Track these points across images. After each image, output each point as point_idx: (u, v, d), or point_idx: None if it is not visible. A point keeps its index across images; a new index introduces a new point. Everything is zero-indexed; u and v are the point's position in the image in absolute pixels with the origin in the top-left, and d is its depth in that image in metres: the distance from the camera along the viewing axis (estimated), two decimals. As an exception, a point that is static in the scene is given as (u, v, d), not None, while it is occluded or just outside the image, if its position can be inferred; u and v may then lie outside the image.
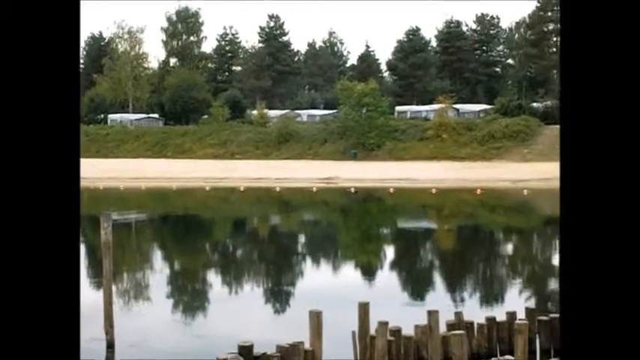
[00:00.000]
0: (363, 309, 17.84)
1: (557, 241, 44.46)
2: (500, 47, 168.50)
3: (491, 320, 19.91)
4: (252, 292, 31.39)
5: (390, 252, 44.35)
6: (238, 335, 16.47)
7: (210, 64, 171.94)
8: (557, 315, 20.31)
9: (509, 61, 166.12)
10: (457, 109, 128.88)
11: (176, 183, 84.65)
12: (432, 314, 17.62)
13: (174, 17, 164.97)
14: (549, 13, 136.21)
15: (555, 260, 40.24)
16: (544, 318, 20.10)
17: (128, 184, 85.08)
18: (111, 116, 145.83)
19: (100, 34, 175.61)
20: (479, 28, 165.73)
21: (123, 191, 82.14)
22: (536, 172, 73.94)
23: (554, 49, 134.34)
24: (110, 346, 20.31)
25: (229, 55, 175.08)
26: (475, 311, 23.10)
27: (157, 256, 43.68)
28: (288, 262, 40.35)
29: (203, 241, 49.07)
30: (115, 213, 33.60)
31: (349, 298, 19.14)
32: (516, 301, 25.99)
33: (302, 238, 51.40)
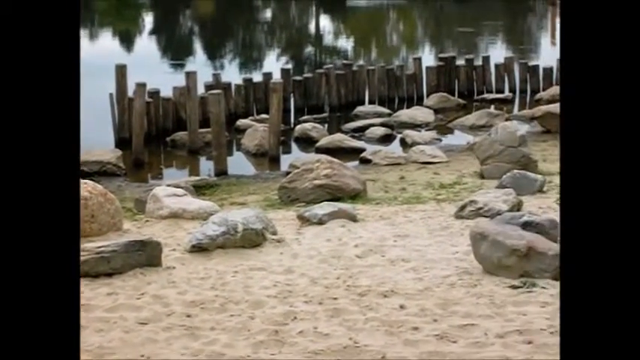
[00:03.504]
0: (120, 71, 17.63)
1: (315, 9, 45.33)
2: None
3: (248, 81, 20.39)
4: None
5: (148, 19, 43.40)
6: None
7: None
8: (310, 75, 21.11)
9: None
10: None
11: None
12: (190, 75, 17.75)
13: None
14: None
15: (312, 26, 41.21)
16: (298, 78, 20.83)
17: None
18: None
19: None
20: None
21: None
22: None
23: None
24: None
25: None
26: (235, 75, 23.46)
27: None
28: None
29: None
30: None
31: (107, 65, 18.72)
32: (274, 65, 26.57)
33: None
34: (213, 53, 31.92)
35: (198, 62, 29.13)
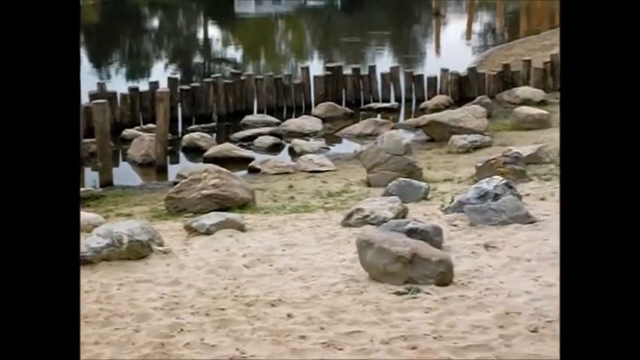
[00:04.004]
0: (0, 80, 17.11)
1: (203, 18, 45.07)
2: None
3: (134, 90, 20.10)
4: None
5: (30, 26, 42.27)
6: None
7: None
8: (198, 84, 20.95)
9: None
10: None
11: None
12: (74, 85, 17.36)
13: None
14: None
15: (200, 35, 40.96)
16: (186, 87, 20.67)
17: None
18: None
19: None
20: None
21: None
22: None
23: None
24: None
25: None
26: (121, 84, 23.09)
27: None
28: None
29: None
30: None
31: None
32: (162, 74, 26.26)
33: None
34: (99, 62, 31.35)
35: (83, 71, 28.51)
